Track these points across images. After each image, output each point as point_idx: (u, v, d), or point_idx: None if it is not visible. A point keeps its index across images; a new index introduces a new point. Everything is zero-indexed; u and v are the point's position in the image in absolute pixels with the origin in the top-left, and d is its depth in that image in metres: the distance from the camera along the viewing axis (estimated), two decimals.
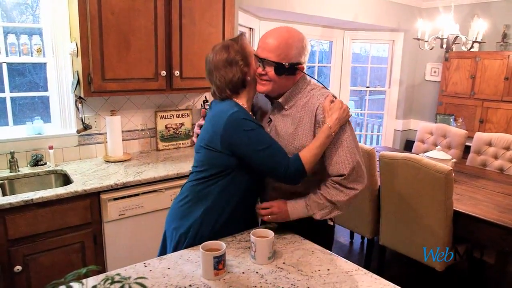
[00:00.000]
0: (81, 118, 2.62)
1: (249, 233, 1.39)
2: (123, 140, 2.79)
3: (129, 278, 0.92)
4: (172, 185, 2.44)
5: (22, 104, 2.74)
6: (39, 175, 2.44)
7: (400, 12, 4.63)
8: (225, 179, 1.50)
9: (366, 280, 1.29)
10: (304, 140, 1.51)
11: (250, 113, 1.54)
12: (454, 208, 2.42)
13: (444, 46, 3.54)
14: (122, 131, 2.79)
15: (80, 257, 2.19)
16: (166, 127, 3.04)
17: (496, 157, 3.47)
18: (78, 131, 2.64)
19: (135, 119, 2.93)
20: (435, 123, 4.24)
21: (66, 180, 2.43)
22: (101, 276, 1.24)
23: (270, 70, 1.49)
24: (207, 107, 1.73)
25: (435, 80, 4.85)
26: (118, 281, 0.90)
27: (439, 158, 2.83)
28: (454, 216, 2.42)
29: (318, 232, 1.61)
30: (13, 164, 2.37)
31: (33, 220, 2.01)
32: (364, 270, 1.35)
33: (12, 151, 2.37)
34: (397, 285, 1.25)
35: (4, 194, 2.27)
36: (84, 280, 0.97)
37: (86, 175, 2.36)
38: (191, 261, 1.38)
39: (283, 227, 1.61)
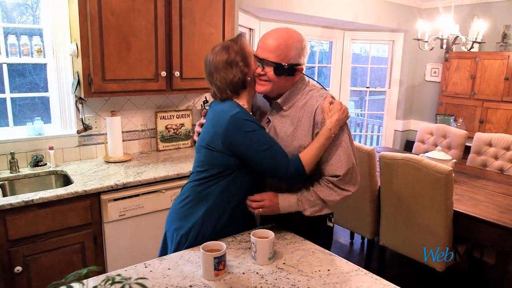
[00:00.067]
0: (81, 118, 2.62)
1: (249, 233, 1.39)
2: (123, 141, 2.79)
3: (129, 278, 0.92)
4: (172, 186, 2.44)
5: (23, 105, 2.74)
6: (39, 175, 2.44)
7: (400, 13, 4.63)
8: (226, 179, 1.51)
9: (367, 280, 1.29)
10: (302, 140, 1.51)
11: (251, 113, 1.55)
12: (454, 209, 2.42)
13: (444, 46, 3.55)
14: (122, 132, 2.80)
15: (80, 257, 2.19)
16: (166, 127, 3.04)
17: (496, 157, 3.47)
18: (78, 132, 2.64)
19: (135, 119, 2.93)
20: (435, 123, 4.24)
21: (66, 180, 2.43)
22: (102, 276, 1.24)
23: (269, 71, 1.49)
24: (207, 107, 1.73)
25: (435, 81, 4.85)
26: (118, 282, 0.90)
27: (439, 158, 2.83)
28: (454, 217, 2.42)
29: (317, 233, 1.62)
30: (13, 165, 2.37)
31: (34, 221, 2.01)
32: (365, 271, 1.35)
33: (12, 151, 2.38)
34: (398, 285, 1.25)
35: (4, 195, 2.28)
36: (84, 281, 0.97)
37: (86, 176, 2.36)
38: (192, 261, 1.38)
39: (283, 228, 1.62)
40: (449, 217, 2.41)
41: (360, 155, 2.75)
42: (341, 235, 3.87)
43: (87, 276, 0.94)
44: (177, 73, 2.65)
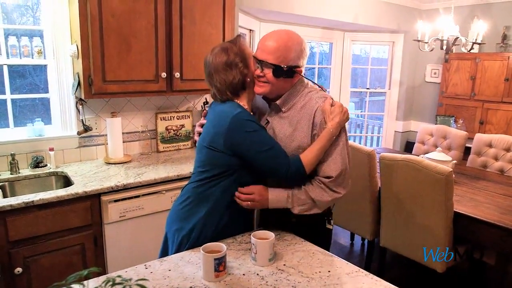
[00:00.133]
0: (82, 119, 2.62)
1: (250, 234, 1.39)
2: (123, 142, 2.80)
3: (130, 280, 0.92)
4: (173, 187, 2.44)
5: (23, 106, 2.74)
6: (39, 176, 2.44)
7: (400, 14, 4.64)
8: (227, 180, 1.51)
9: (367, 281, 1.29)
10: (301, 142, 1.52)
11: (251, 114, 1.55)
12: (454, 210, 2.42)
13: (444, 47, 3.55)
14: (123, 133, 2.80)
15: (80, 259, 2.19)
16: (166, 128, 3.04)
17: (496, 158, 3.47)
18: (78, 133, 2.65)
19: (136, 120, 2.93)
20: (435, 124, 4.24)
21: (66, 181, 2.43)
22: (102, 278, 1.24)
23: (268, 72, 1.50)
24: (208, 108, 1.74)
25: (435, 82, 4.85)
26: (119, 283, 0.90)
27: (439, 159, 2.83)
28: (454, 218, 2.42)
29: (317, 235, 1.62)
30: (13, 166, 2.37)
31: (34, 222, 2.01)
32: (365, 272, 1.35)
33: (12, 153, 2.38)
34: (398, 286, 1.26)
35: (4, 196, 2.28)
36: (85, 282, 0.97)
37: (86, 177, 2.36)
38: (192, 263, 1.38)
39: (283, 229, 1.62)
40: (449, 218, 2.41)
41: (360, 156, 2.76)
42: (341, 236, 3.87)
43: (87, 278, 0.94)
44: (177, 74, 2.65)
